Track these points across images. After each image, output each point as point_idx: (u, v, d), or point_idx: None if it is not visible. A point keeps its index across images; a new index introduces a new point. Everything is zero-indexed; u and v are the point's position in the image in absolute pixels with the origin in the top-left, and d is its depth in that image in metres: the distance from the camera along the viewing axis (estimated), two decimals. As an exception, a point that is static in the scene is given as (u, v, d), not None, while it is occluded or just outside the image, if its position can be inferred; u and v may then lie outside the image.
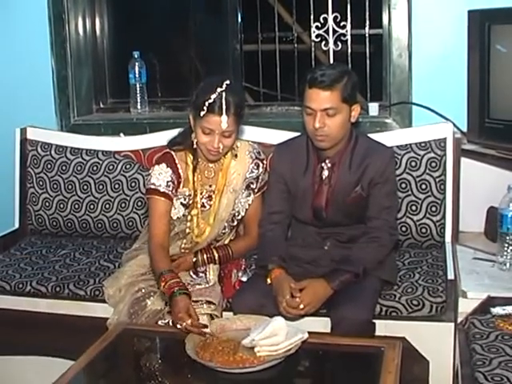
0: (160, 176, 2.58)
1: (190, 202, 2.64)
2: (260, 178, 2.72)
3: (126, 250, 2.89)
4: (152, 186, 2.59)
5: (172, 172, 2.60)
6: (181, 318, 2.28)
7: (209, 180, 2.67)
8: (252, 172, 2.70)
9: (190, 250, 2.69)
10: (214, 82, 2.49)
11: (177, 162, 2.62)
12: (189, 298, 2.38)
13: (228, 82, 2.48)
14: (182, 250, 2.71)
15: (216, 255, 2.67)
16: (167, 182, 2.58)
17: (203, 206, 2.66)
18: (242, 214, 2.73)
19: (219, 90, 2.45)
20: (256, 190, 2.72)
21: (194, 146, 2.58)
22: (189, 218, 2.66)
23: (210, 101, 2.44)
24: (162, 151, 2.73)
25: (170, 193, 2.59)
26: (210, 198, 2.66)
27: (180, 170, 2.62)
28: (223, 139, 2.50)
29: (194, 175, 2.63)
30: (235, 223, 2.75)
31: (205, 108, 2.45)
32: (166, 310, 2.49)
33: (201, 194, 2.65)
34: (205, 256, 2.65)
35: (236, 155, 2.66)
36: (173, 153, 2.64)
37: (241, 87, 3.12)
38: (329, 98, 2.43)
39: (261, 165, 2.72)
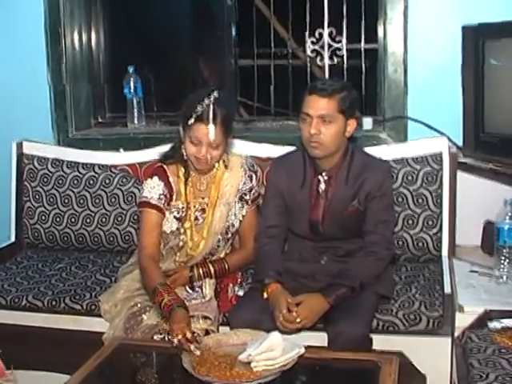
0: (152, 189, 2.59)
1: (183, 214, 2.64)
2: (253, 189, 2.72)
3: (123, 265, 2.88)
4: (144, 199, 2.60)
5: (164, 185, 2.60)
6: (182, 329, 2.22)
7: (201, 192, 2.66)
8: (245, 184, 2.70)
9: (186, 264, 2.68)
10: (202, 93, 2.50)
11: (169, 174, 2.62)
12: (187, 312, 2.35)
13: (216, 93, 2.49)
14: (177, 264, 2.69)
15: (212, 269, 2.65)
16: (159, 194, 2.58)
17: (196, 219, 2.65)
18: (236, 226, 2.72)
19: (207, 100, 2.46)
20: (250, 202, 2.71)
21: (185, 157, 2.59)
22: (182, 231, 2.65)
23: (198, 110, 2.45)
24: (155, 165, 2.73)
25: (161, 205, 2.59)
26: (203, 210, 2.66)
27: (172, 183, 2.62)
28: (211, 150, 2.50)
29: (186, 188, 2.63)
30: (229, 235, 2.73)
31: (192, 117, 2.46)
32: (162, 324, 2.47)
33: (194, 206, 2.65)
34: (201, 270, 2.63)
35: (226, 166, 2.66)
36: (165, 166, 2.64)
37: (230, 100, 3.09)
38: (326, 105, 2.45)
39: (254, 177, 2.72)
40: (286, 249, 2.74)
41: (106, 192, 3.29)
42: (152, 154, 3.22)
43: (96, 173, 3.33)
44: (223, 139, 2.52)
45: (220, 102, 2.49)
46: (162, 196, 2.59)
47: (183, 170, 2.63)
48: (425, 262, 2.95)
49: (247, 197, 2.71)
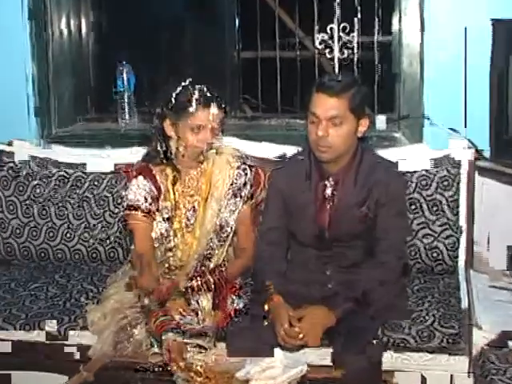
0: (138, 190, 2.65)
1: (172, 215, 2.68)
2: (248, 184, 2.76)
3: (112, 274, 2.89)
4: (131, 203, 2.65)
5: (151, 184, 2.66)
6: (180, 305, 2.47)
7: (191, 190, 2.71)
8: (238, 178, 2.74)
9: (180, 270, 2.70)
10: (187, 84, 2.61)
11: (155, 173, 2.68)
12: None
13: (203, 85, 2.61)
14: (171, 270, 2.72)
15: (211, 279, 2.67)
16: (146, 195, 2.64)
17: (188, 219, 2.70)
18: (231, 223, 2.74)
19: (198, 86, 2.58)
20: (245, 198, 2.75)
21: (172, 155, 2.66)
22: (172, 233, 2.69)
23: (195, 95, 2.55)
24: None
25: (150, 208, 2.64)
26: (194, 209, 2.70)
27: (159, 183, 2.67)
28: (213, 134, 2.61)
29: (173, 186, 2.69)
30: (225, 235, 2.76)
31: (193, 104, 2.55)
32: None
33: (184, 206, 2.70)
34: (199, 281, 2.66)
35: (217, 152, 2.69)
36: (150, 165, 2.69)
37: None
38: (336, 105, 2.46)
39: (248, 171, 2.76)
40: (289, 259, 2.74)
41: (93, 195, 3.29)
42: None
43: (84, 173, 3.33)
44: (221, 123, 2.64)
45: (207, 87, 2.61)
46: (148, 197, 2.65)
47: (170, 168, 2.68)
48: (439, 273, 2.95)
49: (242, 192, 2.75)
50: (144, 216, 2.63)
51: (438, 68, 3.13)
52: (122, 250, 3.22)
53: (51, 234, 3.29)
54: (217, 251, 2.75)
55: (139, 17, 3.80)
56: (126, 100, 3.58)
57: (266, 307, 2.50)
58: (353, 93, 2.48)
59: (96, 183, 3.30)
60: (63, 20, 3.64)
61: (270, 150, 3.14)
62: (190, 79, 2.62)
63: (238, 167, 2.74)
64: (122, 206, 2.72)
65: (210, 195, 2.70)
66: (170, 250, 2.71)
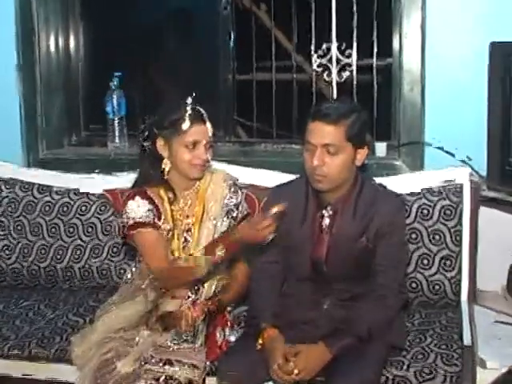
0: (138, 208, 2.65)
1: (170, 236, 2.70)
2: (240, 207, 2.79)
3: (101, 304, 2.86)
4: (132, 221, 2.64)
5: (149, 203, 2.66)
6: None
7: (186, 211, 2.73)
8: (230, 199, 2.77)
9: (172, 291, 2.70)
10: (176, 100, 2.69)
11: (151, 195, 2.69)
12: None
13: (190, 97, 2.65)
14: (163, 291, 2.70)
15: (205, 309, 2.67)
16: (147, 211, 2.65)
17: (185, 240, 2.72)
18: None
19: (189, 101, 2.63)
20: (238, 220, 2.75)
21: (166, 176, 2.68)
22: (169, 254, 2.69)
23: (189, 112, 2.60)
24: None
25: (154, 221, 2.65)
26: (189, 231, 2.73)
27: (157, 203, 2.68)
28: (207, 151, 2.66)
29: (171, 208, 2.71)
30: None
31: (186, 121, 2.60)
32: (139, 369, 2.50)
33: (180, 227, 2.72)
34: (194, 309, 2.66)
35: (208, 178, 2.75)
36: (145, 188, 2.70)
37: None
38: (331, 134, 2.46)
39: (239, 192, 2.80)
40: (283, 291, 2.73)
41: (81, 221, 3.30)
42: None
43: (71, 199, 3.35)
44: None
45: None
46: (150, 213, 2.65)
47: (164, 190, 2.71)
48: (442, 307, 2.94)
49: (234, 213, 2.77)
50: (150, 229, 2.64)
51: (440, 93, 3.15)
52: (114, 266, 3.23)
53: (43, 252, 3.31)
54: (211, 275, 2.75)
55: (131, 35, 3.82)
56: (116, 125, 3.59)
57: (260, 341, 2.50)
58: (351, 121, 2.48)
59: (84, 209, 3.31)
60: (51, 38, 3.67)
61: (264, 177, 3.14)
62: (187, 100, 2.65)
63: (230, 189, 2.78)
64: (122, 232, 2.70)
65: (204, 216, 2.72)
66: None
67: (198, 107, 2.64)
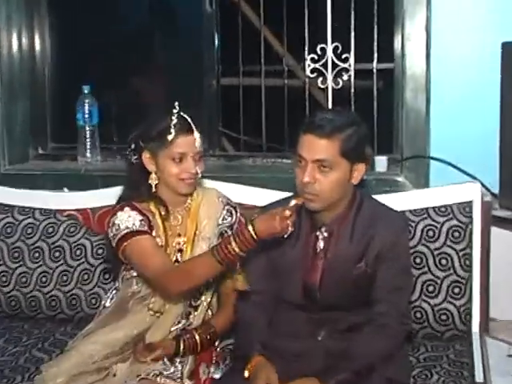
0: (129, 218, 2.67)
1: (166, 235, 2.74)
2: (234, 227, 2.81)
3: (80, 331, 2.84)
4: (124, 232, 2.65)
5: (139, 215, 2.68)
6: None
7: (177, 229, 2.76)
8: (225, 219, 2.82)
9: (161, 314, 2.72)
10: (162, 111, 2.72)
11: (140, 208, 2.71)
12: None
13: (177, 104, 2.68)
14: (151, 313, 2.72)
15: (198, 340, 2.68)
16: (140, 220, 2.67)
17: (177, 260, 2.74)
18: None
19: (175, 111, 2.66)
20: None
21: (153, 189, 2.71)
22: None
23: (174, 122, 2.63)
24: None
25: (148, 230, 2.67)
26: (180, 251, 2.75)
27: (148, 216, 2.71)
28: (196, 163, 2.68)
29: (163, 222, 2.74)
30: (210, 280, 2.74)
31: (172, 131, 2.63)
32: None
33: (172, 246, 2.74)
34: (187, 342, 2.67)
35: (200, 195, 2.79)
36: (133, 202, 2.72)
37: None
38: (324, 148, 2.47)
39: (234, 212, 2.84)
40: (274, 320, 2.72)
41: (48, 244, 3.30)
42: (109, 197, 3.13)
43: (36, 219, 3.34)
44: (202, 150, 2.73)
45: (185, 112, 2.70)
46: (143, 222, 2.67)
47: (153, 206, 2.74)
48: (450, 339, 2.94)
49: (227, 234, 2.77)
50: (146, 236, 2.65)
51: (447, 100, 3.18)
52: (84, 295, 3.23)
53: (4, 280, 3.30)
54: (204, 296, 2.78)
55: (104, 35, 3.85)
56: (87, 136, 3.60)
57: (247, 373, 2.50)
58: (347, 134, 2.48)
59: (50, 230, 3.31)
60: (14, 37, 3.67)
61: (253, 195, 3.15)
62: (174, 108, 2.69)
63: (224, 207, 2.83)
64: (113, 247, 2.70)
65: (196, 235, 2.76)
66: (155, 291, 2.72)
67: (184, 115, 2.67)
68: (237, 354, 2.68)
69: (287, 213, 2.35)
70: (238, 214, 2.86)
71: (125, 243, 2.64)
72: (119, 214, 2.68)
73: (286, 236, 2.40)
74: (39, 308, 3.29)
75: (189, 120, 2.66)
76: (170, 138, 2.63)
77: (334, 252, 2.60)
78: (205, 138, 3.39)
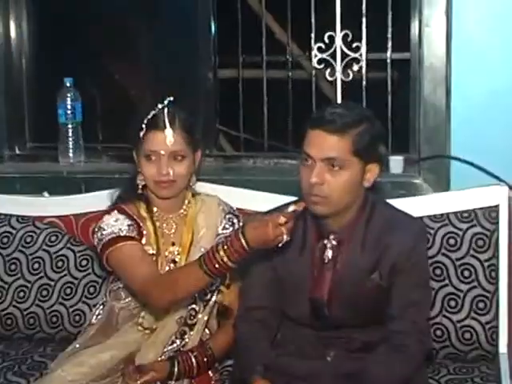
0: (116, 222, 2.69)
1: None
2: None
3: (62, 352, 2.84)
4: (110, 237, 2.66)
5: (128, 219, 2.71)
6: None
7: (170, 237, 2.78)
8: (225, 228, 2.82)
9: (151, 332, 2.73)
10: (152, 104, 2.73)
11: (129, 212, 2.74)
12: None
13: (172, 98, 2.71)
14: (141, 330, 2.73)
15: (195, 363, 2.69)
16: (128, 225, 2.69)
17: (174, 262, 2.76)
18: (217, 283, 2.76)
19: (160, 105, 2.69)
20: None
21: (142, 191, 2.76)
22: None
23: (149, 116, 2.68)
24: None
25: (136, 236, 2.68)
26: (174, 261, 2.76)
27: (138, 221, 2.73)
28: (174, 164, 2.68)
29: (155, 228, 2.76)
30: (208, 297, 2.78)
31: (143, 126, 2.67)
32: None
33: (165, 256, 2.76)
34: (182, 366, 2.66)
35: (198, 201, 2.81)
36: (122, 205, 2.76)
37: (191, 107, 3.27)
38: (335, 145, 2.46)
39: (236, 221, 2.85)
40: (278, 338, 2.73)
41: (26, 255, 3.28)
42: (94, 202, 3.24)
43: (13, 227, 3.34)
44: (188, 149, 2.71)
45: (176, 106, 2.72)
46: (131, 227, 2.69)
47: (144, 206, 2.78)
48: (475, 360, 2.93)
49: None
50: (133, 243, 2.66)
51: (470, 95, 3.17)
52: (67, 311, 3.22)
53: None
54: (200, 315, 2.77)
55: (88, 24, 3.84)
56: (70, 134, 3.60)
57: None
58: (360, 131, 2.48)
59: (29, 240, 3.30)
60: None
61: (253, 200, 3.15)
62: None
63: (224, 216, 2.84)
64: (98, 253, 2.73)
65: (193, 245, 2.77)
66: (145, 305, 2.71)
67: (167, 110, 2.68)
68: (236, 378, 2.68)
69: (282, 219, 2.33)
70: (241, 222, 2.84)
71: (110, 249, 2.65)
72: (106, 217, 2.70)
73: (280, 245, 2.37)
74: (15, 326, 3.27)
75: (165, 115, 2.67)
76: (141, 134, 2.68)
77: (343, 262, 2.60)
78: (201, 137, 3.42)
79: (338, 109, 2.54)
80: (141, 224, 2.72)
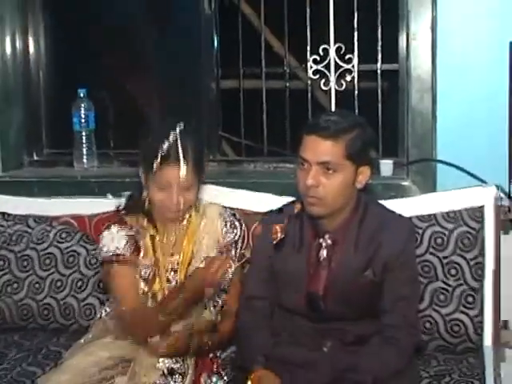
0: (113, 240, 2.65)
1: (151, 275, 2.68)
2: (240, 243, 2.78)
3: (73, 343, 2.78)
4: (107, 254, 2.65)
5: (126, 235, 2.66)
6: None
7: (171, 247, 2.71)
8: (227, 235, 2.75)
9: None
10: (163, 129, 2.64)
11: (130, 224, 2.69)
12: None
13: (182, 125, 2.62)
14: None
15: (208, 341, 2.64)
16: (124, 244, 2.65)
17: (168, 280, 2.69)
18: (223, 285, 2.69)
19: (172, 135, 2.58)
20: (236, 259, 2.70)
21: (147, 206, 2.69)
22: (150, 295, 2.67)
23: (163, 150, 2.57)
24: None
25: (130, 255, 2.64)
26: (175, 271, 2.71)
27: (136, 236, 2.68)
28: (183, 193, 2.61)
29: (153, 241, 2.70)
30: (217, 302, 2.74)
31: (158, 160, 2.56)
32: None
33: (164, 266, 2.69)
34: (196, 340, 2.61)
35: (199, 211, 2.74)
36: (124, 217, 2.72)
37: (198, 131, 3.20)
38: (329, 150, 2.43)
39: (238, 226, 2.78)
40: (277, 327, 2.66)
41: (37, 251, 3.21)
42: (106, 203, 3.17)
43: (29, 227, 3.26)
44: (195, 179, 2.64)
45: (187, 135, 2.62)
46: (127, 246, 2.65)
47: (146, 221, 2.71)
48: (462, 352, 2.85)
49: (233, 252, 2.73)
50: (126, 267, 2.63)
51: (454, 102, 3.12)
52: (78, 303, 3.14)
53: None
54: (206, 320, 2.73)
55: (101, 38, 3.80)
56: (84, 141, 3.55)
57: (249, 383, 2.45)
58: (352, 136, 2.44)
59: (42, 237, 3.23)
60: (7, 40, 3.62)
61: (254, 201, 3.10)
62: (179, 123, 2.63)
63: (226, 223, 2.77)
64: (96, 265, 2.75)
65: (194, 254, 2.70)
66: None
67: (180, 143, 2.57)
68: (238, 365, 2.63)
69: (220, 260, 2.51)
70: (243, 228, 2.80)
71: (104, 267, 2.69)
72: (105, 234, 2.68)
73: (275, 242, 2.51)
74: (30, 318, 3.19)
75: (179, 149, 2.57)
76: (155, 166, 2.58)
77: (338, 261, 2.56)
78: (204, 143, 3.40)
79: (332, 116, 2.54)
80: (138, 238, 2.68)
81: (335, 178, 2.44)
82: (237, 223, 2.78)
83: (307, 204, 2.49)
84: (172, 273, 2.69)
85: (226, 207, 2.82)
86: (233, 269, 2.64)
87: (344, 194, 2.48)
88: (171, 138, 2.57)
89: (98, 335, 2.71)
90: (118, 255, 2.64)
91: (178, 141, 2.58)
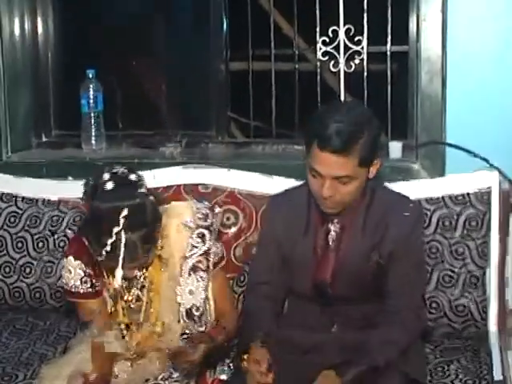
0: (71, 274, 2.61)
1: (113, 309, 2.66)
2: (212, 251, 2.62)
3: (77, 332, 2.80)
4: (66, 287, 2.64)
5: (84, 265, 2.59)
6: None
7: (138, 276, 2.61)
8: (195, 248, 2.59)
9: (133, 362, 2.62)
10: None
11: (86, 257, 2.58)
12: None
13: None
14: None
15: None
16: (81, 279, 2.60)
17: (138, 297, 2.63)
18: (201, 304, 2.60)
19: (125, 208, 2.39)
20: (210, 268, 2.62)
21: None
22: (123, 326, 2.65)
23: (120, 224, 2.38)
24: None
25: (91, 290, 2.61)
26: (143, 286, 2.62)
27: (93, 267, 2.61)
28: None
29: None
30: (200, 319, 2.64)
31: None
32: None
33: (127, 296, 2.64)
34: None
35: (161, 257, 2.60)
36: (83, 238, 2.55)
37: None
38: (344, 166, 2.39)
39: (207, 234, 2.61)
40: (286, 311, 2.71)
41: (52, 233, 3.24)
42: None
43: (40, 209, 3.30)
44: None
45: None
46: (85, 278, 2.60)
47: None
48: (468, 335, 2.88)
49: (202, 264, 2.60)
50: (88, 300, 2.62)
51: (464, 85, 3.12)
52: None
53: (7, 270, 3.25)
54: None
55: (109, 20, 3.81)
56: (92, 122, 3.56)
57: (245, 364, 2.43)
58: (363, 142, 2.39)
59: (55, 220, 3.26)
60: (16, 22, 3.62)
61: (262, 183, 3.10)
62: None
63: (191, 235, 2.59)
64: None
65: (162, 281, 2.61)
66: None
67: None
68: (239, 350, 2.59)
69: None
70: (213, 236, 2.62)
71: (67, 298, 2.70)
72: (65, 260, 2.64)
73: None
74: (43, 299, 3.23)
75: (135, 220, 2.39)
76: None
77: (346, 245, 2.57)
78: (213, 125, 3.54)
79: (340, 124, 2.38)
80: (96, 268, 2.59)
81: (351, 184, 2.42)
82: (204, 231, 2.59)
83: (323, 206, 2.49)
84: (141, 291, 2.62)
85: (191, 208, 2.63)
86: (204, 285, 2.59)
87: (359, 191, 2.49)
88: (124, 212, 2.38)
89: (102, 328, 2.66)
90: (77, 292, 2.61)
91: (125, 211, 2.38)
